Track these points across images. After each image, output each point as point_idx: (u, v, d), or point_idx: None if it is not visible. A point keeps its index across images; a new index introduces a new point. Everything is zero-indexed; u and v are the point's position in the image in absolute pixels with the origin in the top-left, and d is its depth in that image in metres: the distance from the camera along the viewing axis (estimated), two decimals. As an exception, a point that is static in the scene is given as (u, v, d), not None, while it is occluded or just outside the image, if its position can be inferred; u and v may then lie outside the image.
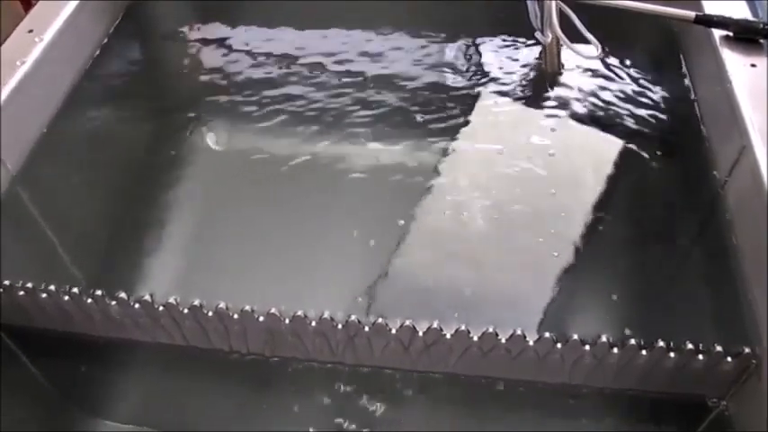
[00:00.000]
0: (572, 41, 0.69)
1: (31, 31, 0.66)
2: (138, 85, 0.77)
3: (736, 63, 0.61)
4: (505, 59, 0.76)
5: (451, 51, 0.77)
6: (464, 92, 0.73)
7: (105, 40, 0.76)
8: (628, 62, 0.74)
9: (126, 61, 0.78)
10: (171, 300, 0.50)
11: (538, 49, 0.75)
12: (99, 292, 0.51)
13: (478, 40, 0.78)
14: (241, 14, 0.82)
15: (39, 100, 0.65)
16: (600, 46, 0.70)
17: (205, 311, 0.50)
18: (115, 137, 0.71)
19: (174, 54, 0.80)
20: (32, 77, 0.63)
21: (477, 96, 0.72)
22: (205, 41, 0.80)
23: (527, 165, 0.66)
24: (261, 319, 0.50)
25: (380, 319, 0.49)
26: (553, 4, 0.68)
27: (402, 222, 0.61)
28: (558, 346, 0.48)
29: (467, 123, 0.70)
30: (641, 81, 0.72)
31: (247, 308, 0.50)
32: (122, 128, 0.72)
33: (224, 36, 0.80)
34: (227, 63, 0.77)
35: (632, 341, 0.47)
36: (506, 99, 0.72)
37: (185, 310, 0.50)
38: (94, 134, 0.70)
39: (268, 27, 0.81)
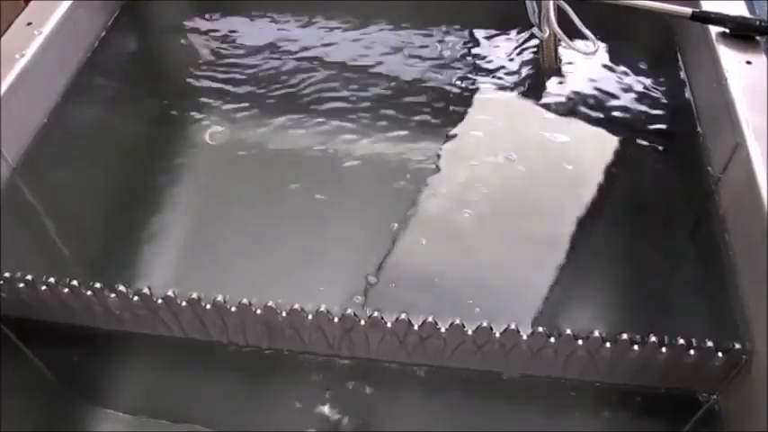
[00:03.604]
0: (569, 37, 0.69)
1: (30, 23, 0.66)
2: (137, 77, 0.77)
3: (731, 60, 0.61)
4: (503, 55, 0.76)
5: (449, 46, 0.77)
6: (462, 87, 0.73)
7: (104, 33, 0.76)
8: (624, 58, 0.74)
9: (125, 54, 0.78)
10: (169, 293, 0.50)
11: (535, 44, 0.75)
12: (98, 285, 0.51)
13: (476, 36, 0.78)
14: (240, 8, 0.82)
15: (38, 92, 0.65)
16: (597, 42, 0.70)
17: (203, 304, 0.51)
18: (114, 129, 0.71)
19: (172, 47, 0.80)
20: (32, 70, 0.63)
21: (474, 91, 0.72)
22: (204, 35, 0.80)
23: (523, 159, 0.66)
24: (258, 312, 0.50)
25: (376, 313, 0.49)
26: (551, 0, 0.68)
27: (400, 217, 0.61)
28: (552, 340, 0.48)
29: (465, 118, 0.70)
30: (637, 77, 0.73)
31: (245, 301, 0.50)
32: (121, 121, 0.72)
33: (223, 29, 0.80)
34: (226, 56, 0.78)
35: (624, 336, 0.48)
36: (503, 94, 0.72)
37: (184, 303, 0.51)
38: (94, 127, 0.70)
39: (267, 21, 0.81)
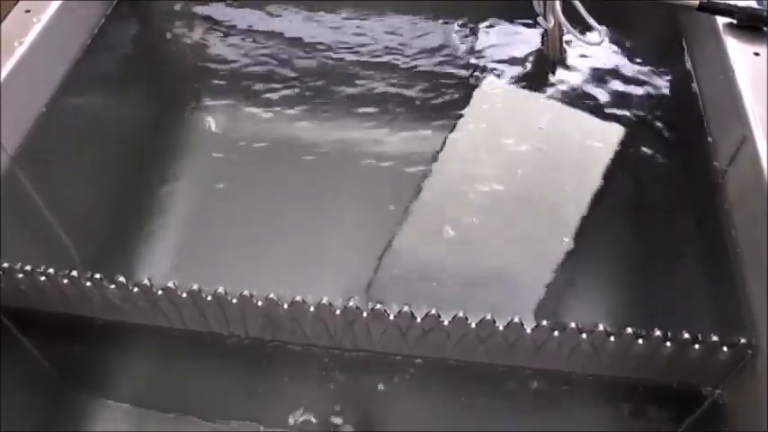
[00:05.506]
0: (575, 27, 0.68)
1: (28, 11, 0.65)
2: (136, 66, 0.76)
3: (739, 51, 0.61)
4: (508, 44, 0.75)
5: (454, 36, 0.77)
6: (466, 76, 0.72)
7: (103, 21, 0.75)
8: (630, 49, 0.73)
9: (125, 42, 0.77)
10: (169, 284, 0.50)
11: (540, 34, 0.75)
12: (97, 276, 0.51)
13: (481, 25, 0.77)
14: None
15: (37, 81, 0.65)
16: (602, 32, 0.69)
17: (204, 296, 0.50)
18: (114, 119, 0.71)
19: (173, 36, 0.80)
20: (30, 58, 0.62)
21: (479, 81, 0.72)
22: (205, 23, 0.79)
23: (527, 150, 0.65)
24: (259, 304, 0.50)
25: (378, 305, 0.49)
26: (556, -10, 0.67)
27: (402, 210, 0.61)
28: (556, 333, 0.48)
29: (468, 110, 0.69)
30: (643, 68, 0.72)
31: (246, 293, 0.50)
32: (121, 110, 0.72)
33: (225, 17, 0.80)
34: (228, 45, 0.77)
35: (629, 330, 0.47)
36: (508, 84, 0.72)
37: (184, 295, 0.50)
38: (93, 116, 0.70)
39: (269, 9, 0.80)
